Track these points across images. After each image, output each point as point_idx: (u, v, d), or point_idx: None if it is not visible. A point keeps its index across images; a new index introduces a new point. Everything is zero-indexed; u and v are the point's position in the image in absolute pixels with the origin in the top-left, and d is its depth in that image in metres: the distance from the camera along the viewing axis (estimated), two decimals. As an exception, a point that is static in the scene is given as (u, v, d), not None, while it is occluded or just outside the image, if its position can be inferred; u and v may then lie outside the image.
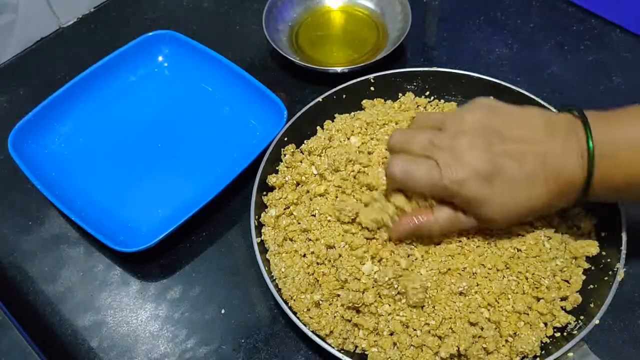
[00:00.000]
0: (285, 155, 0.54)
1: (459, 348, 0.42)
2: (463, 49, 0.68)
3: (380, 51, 0.66)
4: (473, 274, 0.45)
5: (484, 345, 0.43)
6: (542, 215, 0.47)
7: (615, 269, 0.44)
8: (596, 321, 0.42)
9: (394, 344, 0.44)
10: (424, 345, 0.43)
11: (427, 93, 0.59)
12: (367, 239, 0.47)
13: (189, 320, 0.51)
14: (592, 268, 0.46)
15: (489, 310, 0.44)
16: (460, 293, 0.44)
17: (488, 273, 0.45)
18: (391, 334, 0.44)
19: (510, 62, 0.66)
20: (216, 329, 0.50)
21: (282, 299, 0.47)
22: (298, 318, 0.45)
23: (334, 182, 0.50)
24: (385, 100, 0.59)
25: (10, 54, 0.70)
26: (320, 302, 0.46)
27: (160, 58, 0.67)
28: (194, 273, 0.53)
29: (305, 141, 0.56)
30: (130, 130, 0.62)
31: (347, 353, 0.44)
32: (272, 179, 0.53)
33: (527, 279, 0.45)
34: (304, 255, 0.49)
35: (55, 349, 0.49)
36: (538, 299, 0.44)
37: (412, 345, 0.43)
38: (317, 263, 0.48)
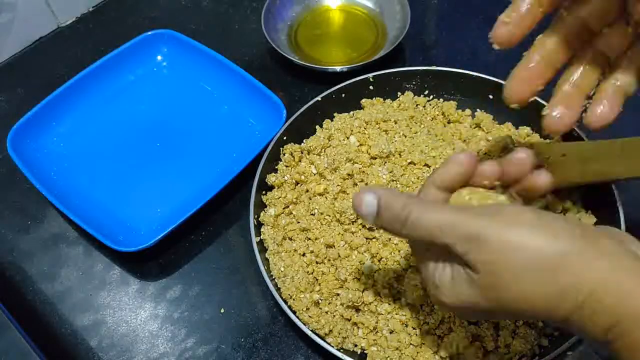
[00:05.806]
0: (284, 154, 0.54)
1: (458, 347, 0.42)
2: (462, 48, 0.68)
3: (379, 50, 0.66)
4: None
5: (483, 345, 0.43)
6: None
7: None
8: (595, 320, 0.42)
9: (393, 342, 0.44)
10: (423, 344, 0.43)
11: (426, 92, 0.59)
12: (366, 238, 0.47)
13: (188, 319, 0.51)
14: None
15: (488, 309, 0.44)
16: (460, 292, 0.44)
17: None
18: (391, 333, 0.44)
19: (509, 61, 0.66)
20: (215, 328, 0.50)
21: (282, 298, 0.47)
22: (297, 317, 0.45)
23: (333, 182, 0.50)
24: (384, 100, 0.59)
25: (8, 53, 0.70)
26: (320, 301, 0.46)
27: (159, 57, 0.66)
28: (193, 272, 0.53)
29: (304, 140, 0.56)
30: (129, 129, 0.62)
31: (346, 352, 0.44)
32: (271, 178, 0.53)
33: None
34: (304, 255, 0.49)
35: (54, 348, 0.49)
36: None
37: (411, 344, 0.44)
38: (317, 262, 0.48)
